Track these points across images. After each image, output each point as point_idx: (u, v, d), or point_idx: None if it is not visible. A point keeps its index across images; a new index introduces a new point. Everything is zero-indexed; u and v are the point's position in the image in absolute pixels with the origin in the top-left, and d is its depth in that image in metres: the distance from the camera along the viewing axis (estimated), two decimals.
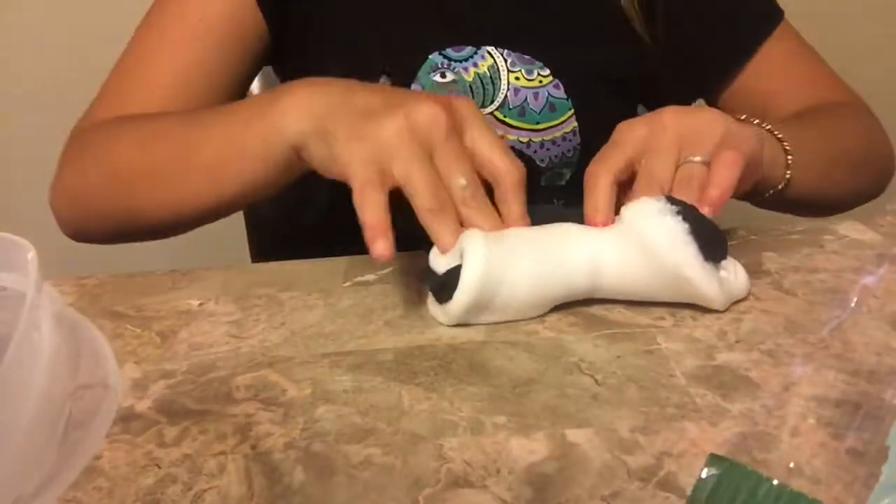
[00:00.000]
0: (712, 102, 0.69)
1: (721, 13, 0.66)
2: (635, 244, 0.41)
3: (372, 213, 0.40)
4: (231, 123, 0.48)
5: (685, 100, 0.67)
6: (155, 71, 0.57)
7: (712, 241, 0.41)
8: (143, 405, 0.37)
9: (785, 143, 0.52)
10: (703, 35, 0.65)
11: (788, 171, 0.52)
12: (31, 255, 0.22)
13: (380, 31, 0.61)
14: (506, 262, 0.41)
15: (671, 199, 0.42)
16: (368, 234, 0.40)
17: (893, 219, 0.53)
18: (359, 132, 0.42)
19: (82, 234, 0.59)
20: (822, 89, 0.66)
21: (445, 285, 0.41)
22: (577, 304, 0.44)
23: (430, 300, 0.44)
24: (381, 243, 0.39)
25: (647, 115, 0.47)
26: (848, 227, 0.53)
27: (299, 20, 0.60)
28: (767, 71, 0.66)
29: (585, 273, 0.42)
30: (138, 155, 0.52)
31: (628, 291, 0.43)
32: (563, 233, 0.43)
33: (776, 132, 0.52)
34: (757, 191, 0.51)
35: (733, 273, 0.43)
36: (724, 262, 0.42)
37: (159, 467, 0.32)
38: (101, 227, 0.57)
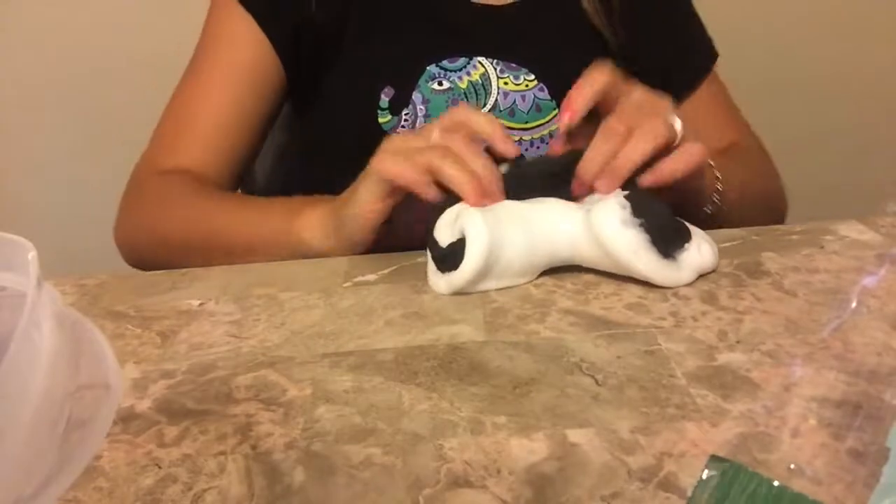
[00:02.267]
0: None
1: (668, 47, 0.73)
2: (600, 246, 0.45)
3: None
4: (261, 226, 0.57)
5: None
6: (197, 117, 0.66)
7: (672, 240, 0.45)
8: (143, 405, 0.37)
9: (716, 171, 0.58)
10: (652, 60, 0.71)
11: (716, 196, 0.58)
12: (32, 255, 0.22)
13: (382, 48, 0.68)
14: (501, 235, 0.45)
15: (633, 201, 0.45)
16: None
17: (893, 219, 0.53)
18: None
19: (140, 267, 0.65)
20: (734, 129, 0.74)
21: (448, 257, 0.46)
22: (577, 304, 0.44)
23: (432, 270, 0.47)
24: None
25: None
26: (848, 228, 0.53)
27: (310, 52, 0.67)
28: (695, 109, 0.72)
29: (567, 246, 0.47)
30: (184, 232, 0.60)
31: (601, 266, 0.47)
32: (548, 209, 0.47)
33: (710, 161, 0.57)
34: (689, 203, 0.55)
35: (697, 250, 0.46)
36: (687, 245, 0.46)
37: (159, 467, 0.32)
38: (153, 267, 0.64)
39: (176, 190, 0.62)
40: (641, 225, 0.44)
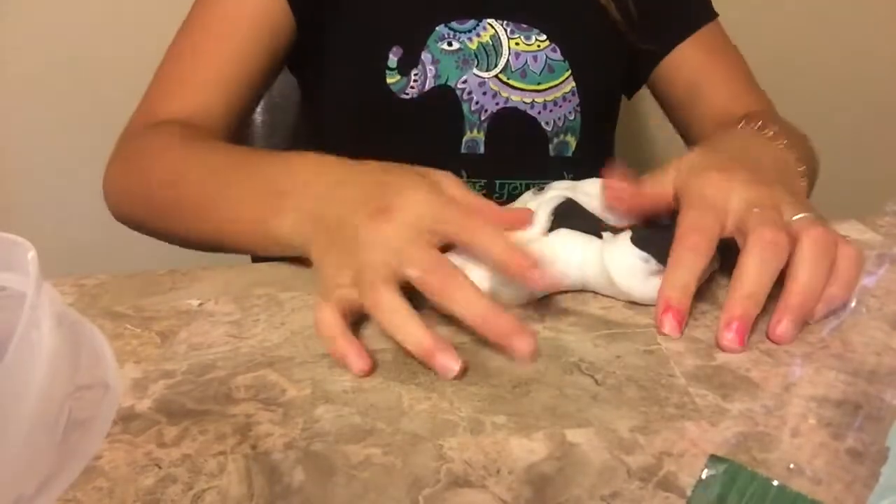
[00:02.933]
0: (641, 82, 0.75)
1: (664, 5, 0.71)
2: (609, 279, 0.43)
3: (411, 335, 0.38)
4: (242, 201, 0.50)
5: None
6: (197, 66, 0.62)
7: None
8: (143, 405, 0.37)
9: (799, 163, 0.52)
10: (646, 17, 0.71)
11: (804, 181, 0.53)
12: (31, 255, 0.22)
13: (390, 7, 0.66)
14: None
15: (655, 253, 0.42)
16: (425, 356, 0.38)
17: (893, 219, 0.53)
18: (345, 261, 0.42)
19: (123, 222, 0.62)
20: (739, 88, 0.71)
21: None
22: (577, 304, 0.44)
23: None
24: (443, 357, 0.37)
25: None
26: (848, 227, 0.53)
27: (320, 8, 0.65)
28: (690, 64, 0.71)
29: (577, 274, 0.44)
30: (167, 192, 0.55)
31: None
32: (565, 241, 0.45)
33: (789, 148, 0.52)
34: None
35: None
36: None
37: (159, 467, 0.32)
38: (137, 227, 0.61)
39: (164, 148, 0.57)
40: (658, 272, 0.42)
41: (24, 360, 0.19)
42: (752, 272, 0.39)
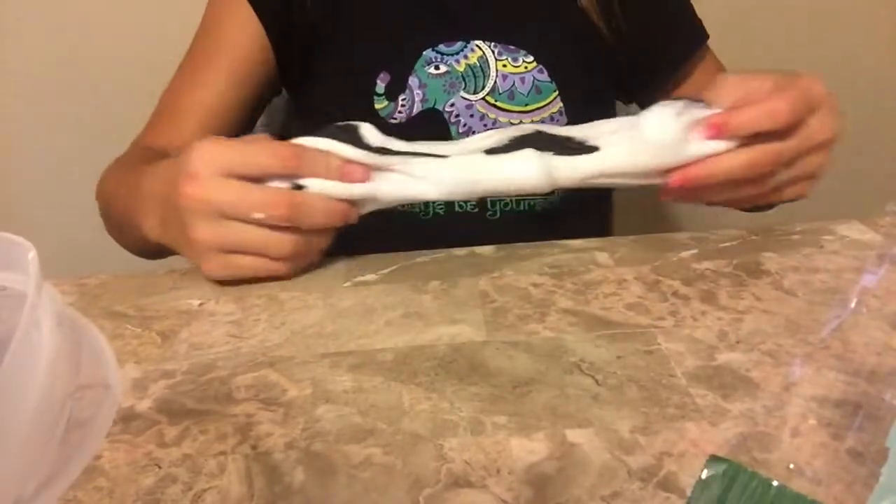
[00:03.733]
0: (638, 93, 0.76)
1: (658, 28, 0.72)
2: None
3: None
4: (134, 212, 0.54)
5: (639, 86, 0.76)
6: (182, 102, 0.66)
7: None
8: (143, 405, 0.37)
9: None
10: (643, 42, 0.71)
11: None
12: (32, 255, 0.22)
13: (378, 34, 0.67)
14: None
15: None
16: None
17: (893, 219, 0.53)
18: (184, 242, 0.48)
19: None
20: None
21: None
22: (576, 304, 0.44)
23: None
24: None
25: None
26: (848, 228, 0.53)
27: (304, 37, 0.67)
28: (687, 87, 0.72)
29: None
30: (108, 210, 0.63)
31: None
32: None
33: None
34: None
35: None
36: None
37: (159, 467, 0.32)
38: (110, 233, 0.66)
39: (121, 170, 0.63)
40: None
41: (24, 360, 0.19)
42: (749, 114, 0.47)
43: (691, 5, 0.75)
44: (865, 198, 1.23)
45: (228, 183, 0.44)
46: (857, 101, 1.22)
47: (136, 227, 0.53)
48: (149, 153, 0.62)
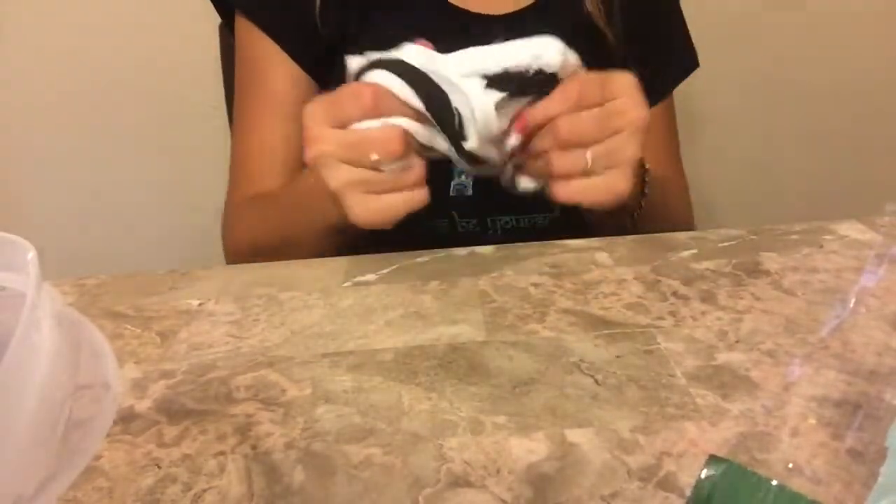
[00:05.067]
0: None
1: (656, 46, 0.72)
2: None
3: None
4: (296, 223, 0.59)
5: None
6: (252, 150, 0.69)
7: None
8: (143, 405, 0.37)
9: (646, 179, 0.58)
10: (640, 63, 0.71)
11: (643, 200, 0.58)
12: (31, 255, 0.22)
13: (379, 37, 0.66)
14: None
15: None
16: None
17: (893, 219, 0.53)
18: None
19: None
20: (673, 164, 0.75)
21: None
22: (576, 304, 0.44)
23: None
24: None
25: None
26: (848, 227, 0.53)
27: (328, 59, 0.69)
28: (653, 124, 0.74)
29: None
30: (264, 239, 0.64)
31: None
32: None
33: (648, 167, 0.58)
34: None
35: None
36: None
37: (159, 467, 0.32)
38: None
39: (251, 210, 0.67)
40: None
41: (24, 360, 0.19)
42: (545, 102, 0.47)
43: (686, 27, 0.75)
44: (865, 198, 1.23)
45: (335, 133, 0.47)
46: (857, 101, 1.22)
47: (313, 230, 0.57)
48: (261, 195, 0.66)
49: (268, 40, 0.67)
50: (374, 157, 0.47)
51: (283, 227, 0.61)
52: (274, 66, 0.68)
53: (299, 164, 0.68)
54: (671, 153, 0.74)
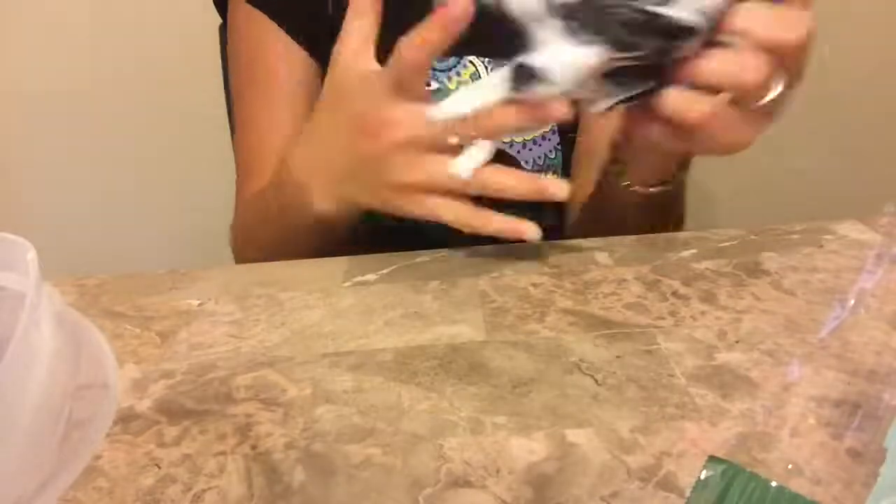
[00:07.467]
0: None
1: None
2: None
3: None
4: (285, 219, 0.56)
5: None
6: (262, 141, 0.66)
7: None
8: (143, 405, 0.37)
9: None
10: None
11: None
12: (31, 255, 0.22)
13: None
14: None
15: None
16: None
17: (892, 219, 0.53)
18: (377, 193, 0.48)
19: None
20: None
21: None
22: (576, 304, 0.44)
23: None
24: None
25: None
26: (848, 227, 0.53)
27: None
28: None
29: None
30: (266, 238, 0.62)
31: None
32: None
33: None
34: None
35: None
36: None
37: (159, 467, 0.32)
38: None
39: (252, 209, 0.65)
40: None
41: (24, 360, 0.19)
42: None
43: None
44: (865, 198, 1.23)
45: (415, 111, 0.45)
46: (857, 101, 1.22)
47: (305, 222, 0.54)
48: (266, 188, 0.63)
49: (269, 25, 0.64)
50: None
51: (277, 227, 0.59)
52: (277, 51, 0.65)
53: None
54: None
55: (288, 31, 0.64)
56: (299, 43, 0.64)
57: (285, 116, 0.65)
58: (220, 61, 0.87)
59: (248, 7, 0.65)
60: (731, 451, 0.31)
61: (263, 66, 0.66)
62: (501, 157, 0.65)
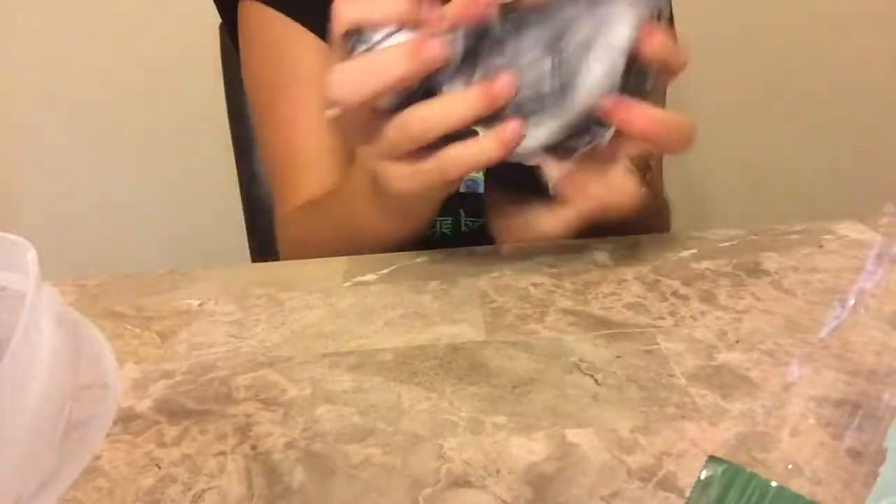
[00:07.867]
0: None
1: None
2: None
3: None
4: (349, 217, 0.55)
5: None
6: (299, 149, 0.63)
7: None
8: (143, 405, 0.37)
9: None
10: None
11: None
12: (31, 255, 0.22)
13: None
14: None
15: None
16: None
17: (892, 219, 0.53)
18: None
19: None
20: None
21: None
22: (576, 304, 0.44)
23: None
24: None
25: None
26: (848, 227, 0.53)
27: None
28: None
29: None
30: (327, 239, 0.58)
31: None
32: None
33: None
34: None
35: None
36: None
37: (159, 467, 0.32)
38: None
39: (306, 215, 0.62)
40: None
41: (24, 360, 0.19)
42: None
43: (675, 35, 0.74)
44: (865, 198, 1.23)
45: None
46: (857, 102, 1.23)
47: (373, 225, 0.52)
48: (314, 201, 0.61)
49: (287, 23, 0.62)
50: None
51: (347, 238, 0.55)
52: (300, 48, 0.63)
53: (344, 156, 0.62)
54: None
55: (307, 26, 0.63)
56: (319, 36, 0.62)
57: (314, 122, 0.62)
58: (220, 61, 0.87)
59: (262, 9, 0.63)
60: (730, 451, 0.31)
61: (290, 65, 0.63)
62: None
